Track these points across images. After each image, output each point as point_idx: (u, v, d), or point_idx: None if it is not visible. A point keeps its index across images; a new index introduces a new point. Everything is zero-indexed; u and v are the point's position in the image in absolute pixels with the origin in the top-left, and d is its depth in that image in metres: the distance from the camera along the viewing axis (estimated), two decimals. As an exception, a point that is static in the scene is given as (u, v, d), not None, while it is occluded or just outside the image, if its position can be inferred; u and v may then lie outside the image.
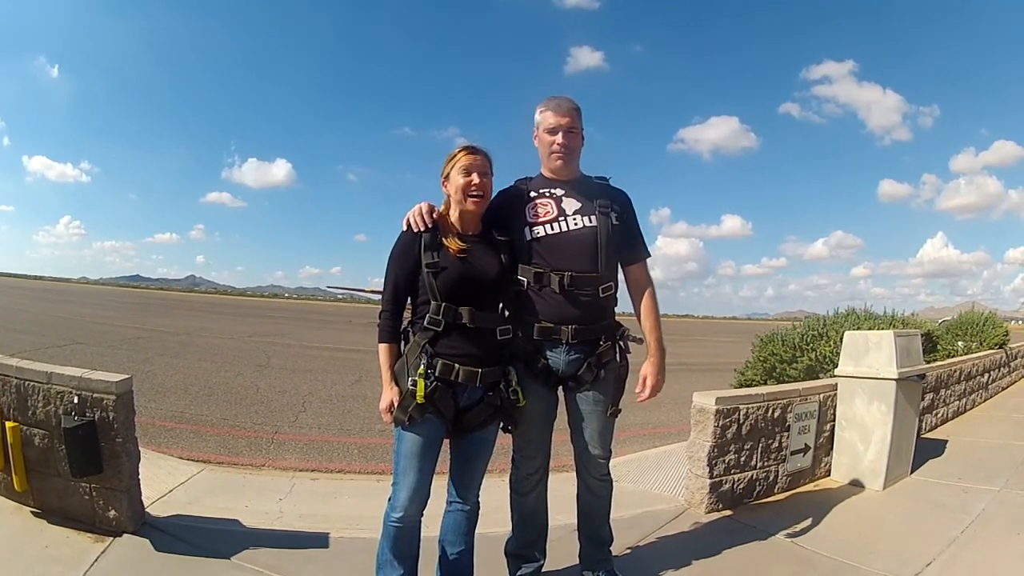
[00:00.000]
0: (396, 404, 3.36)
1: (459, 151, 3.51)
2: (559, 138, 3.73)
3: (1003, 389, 13.73)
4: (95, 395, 4.24)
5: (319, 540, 4.60)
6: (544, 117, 3.79)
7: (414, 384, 3.28)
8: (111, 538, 4.27)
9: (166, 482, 5.64)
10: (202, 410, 10.09)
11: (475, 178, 3.46)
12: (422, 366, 3.31)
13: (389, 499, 3.44)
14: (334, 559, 4.35)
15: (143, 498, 4.61)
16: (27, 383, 4.35)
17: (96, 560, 4.01)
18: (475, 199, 3.49)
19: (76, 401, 4.21)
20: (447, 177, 3.53)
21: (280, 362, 17.33)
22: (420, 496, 3.39)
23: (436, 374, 3.33)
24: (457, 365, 3.36)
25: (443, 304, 3.35)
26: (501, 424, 3.69)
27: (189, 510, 5.02)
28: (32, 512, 4.48)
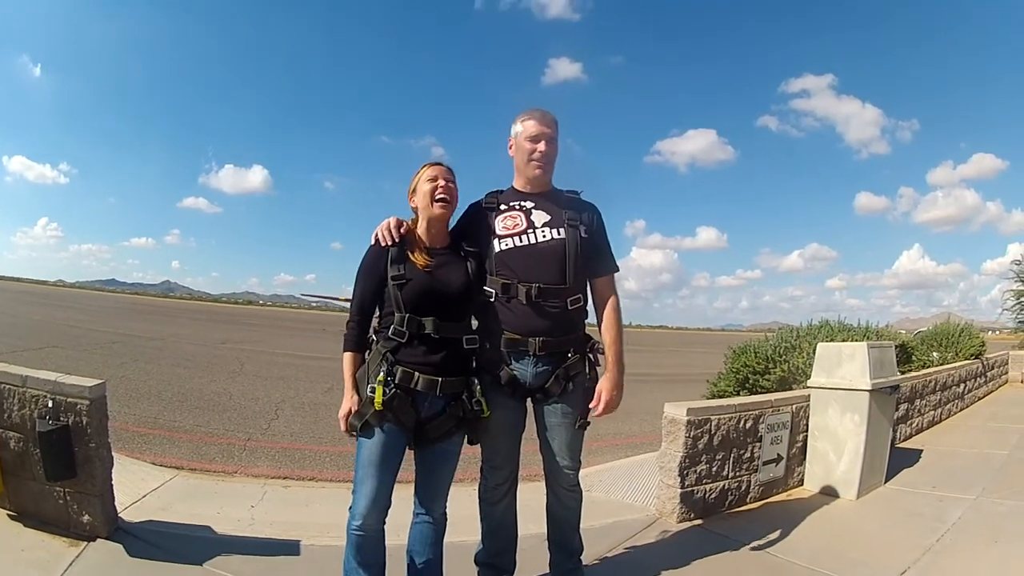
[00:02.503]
0: (354, 411, 3.40)
1: (423, 167, 3.62)
2: (541, 146, 3.74)
3: (979, 399, 13.87)
4: (69, 399, 4.23)
5: (290, 547, 4.60)
6: (527, 126, 3.79)
7: (373, 391, 3.31)
8: (85, 543, 4.26)
9: (139, 487, 5.61)
10: (175, 416, 10.03)
11: (440, 181, 3.55)
12: (382, 373, 3.34)
13: (350, 508, 3.44)
14: (305, 566, 4.36)
15: (116, 503, 4.60)
16: (3, 386, 4.34)
17: (70, 565, 4.00)
18: (442, 203, 3.56)
19: (50, 405, 4.20)
20: (414, 191, 3.60)
21: (253, 369, 17.26)
22: (378, 505, 3.39)
23: (395, 382, 3.36)
24: (417, 373, 3.39)
25: (407, 315, 3.40)
26: (467, 436, 3.70)
27: (162, 516, 5.00)
28: (8, 515, 4.46)
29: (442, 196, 3.55)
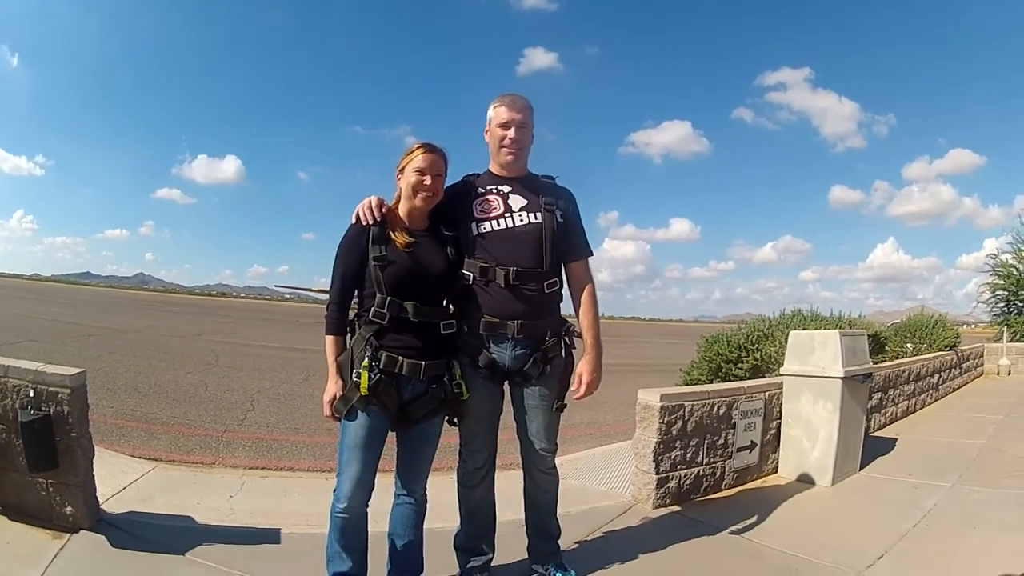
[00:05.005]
0: (339, 396, 3.43)
1: (417, 148, 3.58)
2: (511, 133, 3.80)
3: (954, 390, 13.99)
4: (50, 389, 4.22)
5: (271, 536, 4.62)
6: (498, 112, 3.85)
7: (358, 376, 3.35)
8: (68, 534, 4.26)
9: (119, 479, 5.60)
10: (152, 408, 10.08)
11: (427, 179, 3.54)
12: (366, 359, 3.37)
13: (334, 491, 3.49)
14: (285, 554, 4.38)
15: (98, 495, 4.60)
16: (-16, 377, 4.31)
17: (55, 557, 3.99)
18: (425, 196, 3.57)
19: (32, 395, 4.19)
20: (402, 171, 3.60)
21: (228, 361, 17.41)
22: (363, 487, 3.44)
23: (380, 367, 3.39)
24: (401, 358, 3.44)
25: (388, 298, 3.43)
26: (447, 417, 3.76)
27: (143, 507, 5.00)
28: (-9, 508, 4.46)
29: (426, 192, 3.57)
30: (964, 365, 15.35)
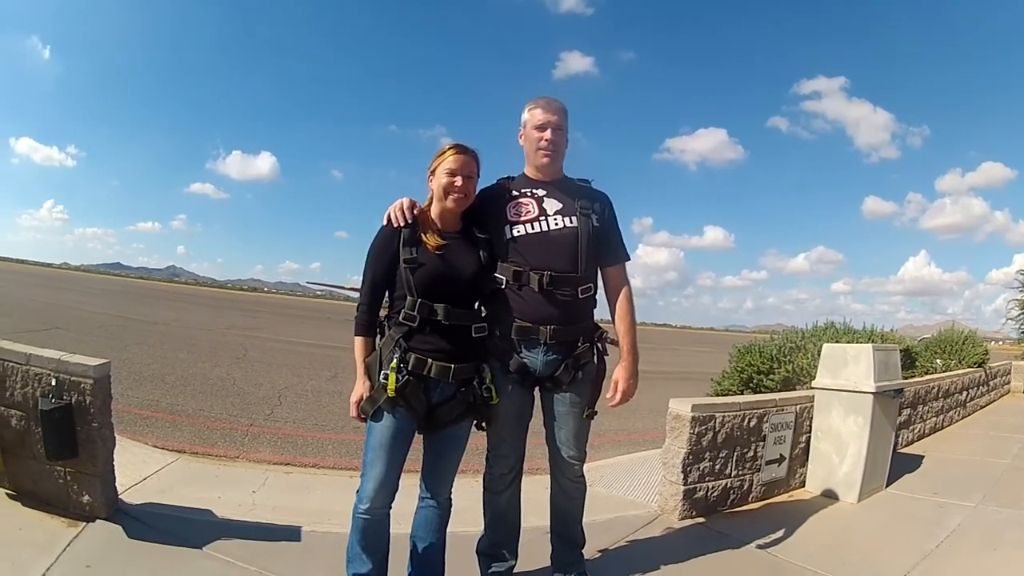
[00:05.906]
0: (366, 397, 3.40)
1: (449, 149, 3.54)
2: (547, 134, 3.76)
3: (982, 407, 13.79)
4: (73, 378, 4.21)
5: (291, 533, 4.58)
6: (533, 115, 3.81)
7: (386, 377, 3.31)
8: (84, 523, 4.24)
9: (140, 470, 5.59)
10: (178, 400, 10.06)
11: (458, 180, 3.50)
12: (395, 360, 3.33)
13: (357, 491, 3.45)
14: (305, 553, 4.35)
15: (117, 485, 4.58)
16: (6, 364, 4.32)
17: (69, 545, 3.98)
18: (456, 198, 3.53)
19: (54, 383, 4.18)
20: (433, 172, 3.56)
21: (257, 355, 17.40)
22: (387, 488, 3.40)
23: (409, 368, 3.35)
24: (430, 360, 3.39)
25: (419, 300, 3.38)
26: (475, 421, 3.71)
27: (162, 498, 4.98)
28: (7, 494, 4.45)
29: (457, 195, 3.53)
30: (992, 383, 15.15)
